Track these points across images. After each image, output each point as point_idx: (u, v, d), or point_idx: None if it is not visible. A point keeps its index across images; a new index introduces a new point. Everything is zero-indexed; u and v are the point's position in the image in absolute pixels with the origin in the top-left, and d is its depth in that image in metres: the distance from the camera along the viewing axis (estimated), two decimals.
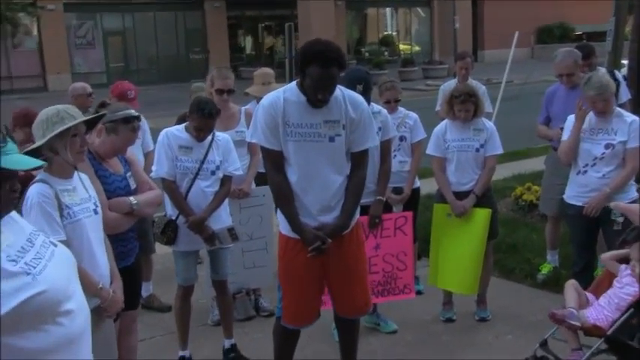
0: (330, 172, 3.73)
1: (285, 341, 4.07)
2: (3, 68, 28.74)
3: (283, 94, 3.69)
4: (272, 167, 3.75)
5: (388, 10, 40.08)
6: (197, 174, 4.52)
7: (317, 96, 3.58)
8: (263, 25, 36.45)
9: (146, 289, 5.83)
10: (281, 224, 3.86)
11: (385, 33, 40.32)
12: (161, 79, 30.97)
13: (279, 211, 3.86)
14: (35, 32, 29.45)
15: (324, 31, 26.45)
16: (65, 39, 29.94)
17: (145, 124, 5.90)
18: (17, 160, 2.26)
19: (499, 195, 8.15)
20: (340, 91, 3.72)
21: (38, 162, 2.34)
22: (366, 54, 37.89)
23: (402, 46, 39.55)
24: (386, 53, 38.25)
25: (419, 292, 5.59)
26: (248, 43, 37.12)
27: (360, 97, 3.85)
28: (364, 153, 3.84)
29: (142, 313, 5.55)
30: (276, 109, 3.64)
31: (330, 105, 3.66)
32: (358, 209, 3.93)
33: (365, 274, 4.06)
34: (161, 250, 5.54)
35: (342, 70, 3.61)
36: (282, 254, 3.87)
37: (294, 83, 3.75)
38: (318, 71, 3.50)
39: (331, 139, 3.68)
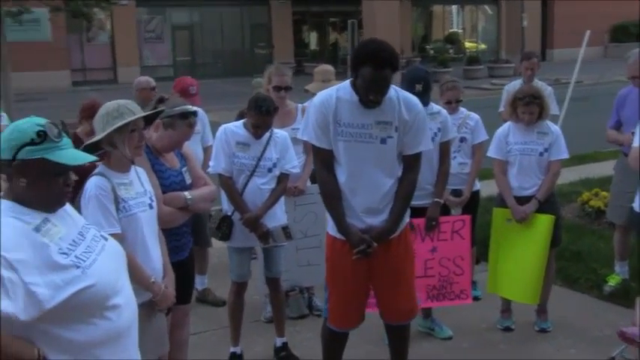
0: (380, 174, 3.66)
1: (333, 343, 4.02)
2: (77, 61, 29.68)
3: (336, 93, 3.63)
4: (321, 166, 3.71)
5: (454, 7, 39.57)
6: (254, 171, 4.52)
7: (369, 97, 3.52)
8: (328, 20, 36.44)
9: (201, 283, 5.89)
10: (328, 224, 3.81)
11: (451, 30, 39.81)
12: (226, 73, 31.33)
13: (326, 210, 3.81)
14: (108, 27, 30.24)
15: (388, 27, 26.32)
16: (135, 33, 30.63)
17: (205, 118, 5.95)
18: (71, 155, 2.29)
19: (564, 200, 7.92)
20: (395, 91, 3.64)
21: (91, 157, 2.37)
22: (431, 51, 37.45)
23: (467, 44, 38.99)
24: (451, 51, 37.71)
25: (476, 298, 5.46)
26: (312, 38, 37.20)
27: (415, 99, 3.75)
28: (417, 156, 3.76)
29: (196, 307, 5.63)
30: (328, 108, 3.59)
31: (384, 106, 3.59)
32: (408, 213, 3.86)
33: (412, 280, 3.98)
34: (218, 243, 5.55)
35: (395, 72, 3.52)
36: (329, 255, 3.83)
37: (347, 82, 3.69)
38: (371, 72, 3.44)
39: (383, 141, 3.61)
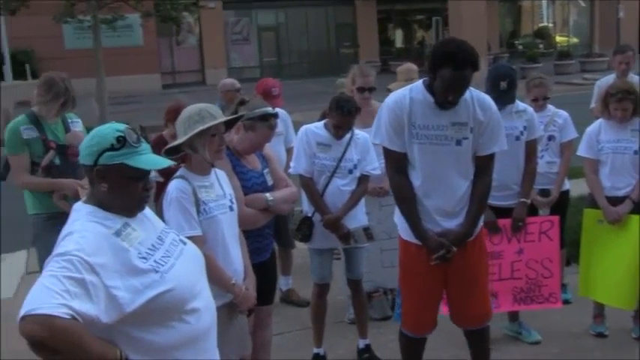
0: (456, 176, 3.57)
1: (410, 348, 3.93)
2: (167, 64, 30.61)
3: (409, 93, 3.55)
4: (394, 169, 3.62)
5: (544, 1, 38.45)
6: (334, 172, 4.50)
7: (447, 97, 3.43)
8: (413, 18, 36.15)
9: (285, 283, 5.93)
10: (401, 229, 3.73)
11: (540, 25, 38.75)
12: (311, 73, 31.56)
13: (397, 214, 3.74)
14: (196, 30, 31.03)
15: (475, 23, 25.83)
16: (222, 35, 31.32)
17: (288, 119, 5.99)
18: (150, 160, 2.32)
19: None
20: (469, 92, 3.53)
21: (168, 162, 2.39)
22: (520, 47, 36.55)
23: (558, 38, 37.81)
24: (541, 46, 36.69)
25: (566, 302, 5.24)
26: (398, 36, 37.01)
27: (489, 99, 3.65)
28: (491, 157, 3.67)
29: (280, 307, 5.68)
30: (402, 109, 3.52)
31: (458, 107, 3.50)
32: (482, 217, 3.75)
33: (486, 284, 3.88)
34: (302, 244, 5.58)
35: (475, 71, 3.41)
36: (403, 260, 3.75)
37: (420, 82, 3.61)
38: (451, 72, 3.34)
39: (458, 143, 3.53)
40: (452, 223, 3.60)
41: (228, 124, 3.48)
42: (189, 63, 31.26)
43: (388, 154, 3.64)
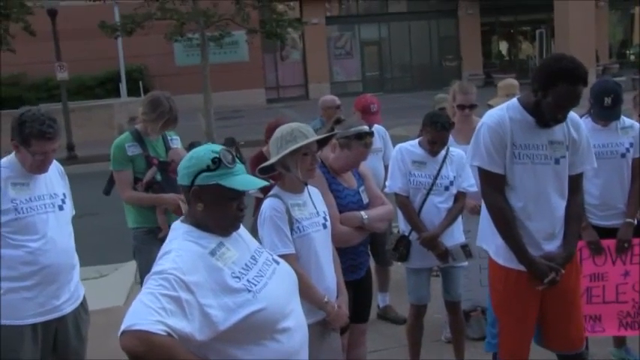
0: (556, 196, 3.50)
1: None
2: (272, 79, 31.30)
3: (507, 113, 3.49)
4: (495, 192, 3.52)
5: None
6: (430, 189, 4.46)
7: (558, 115, 3.36)
8: (518, 30, 35.34)
9: (382, 300, 5.92)
10: (497, 254, 3.61)
11: None
12: (414, 86, 31.45)
13: (489, 239, 3.64)
14: (300, 45, 31.59)
15: (582, 34, 24.96)
16: (326, 50, 31.72)
17: (386, 135, 6.00)
18: (244, 180, 2.38)
19: None
20: None
21: (262, 182, 2.44)
22: (631, 57, 34.98)
23: None
24: None
25: None
26: (502, 48, 36.24)
27: (578, 117, 3.62)
28: (581, 176, 3.63)
29: (377, 323, 5.68)
30: (505, 129, 3.45)
31: (553, 125, 3.45)
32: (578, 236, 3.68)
33: (581, 307, 3.77)
34: None
35: (585, 87, 3.34)
36: (502, 288, 3.62)
37: (515, 101, 3.54)
38: (567, 89, 3.26)
39: (557, 161, 3.47)
40: (552, 246, 3.52)
41: (321, 143, 3.52)
42: (293, 78, 31.85)
43: (488, 176, 3.54)
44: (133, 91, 25.67)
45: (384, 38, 33.02)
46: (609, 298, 4.41)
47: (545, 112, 3.38)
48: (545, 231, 3.50)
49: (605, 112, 4.36)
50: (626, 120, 4.54)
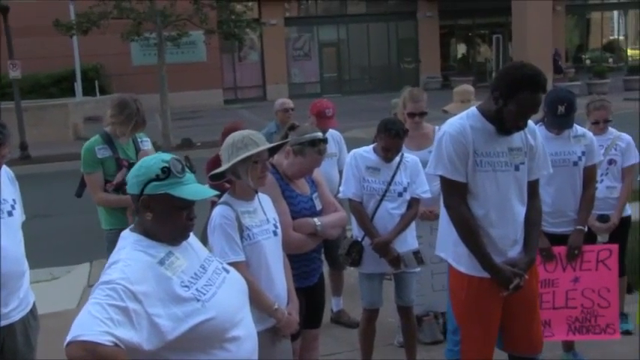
0: (517, 203, 3.53)
1: None
2: (229, 80, 31.17)
3: (467, 121, 3.50)
4: (458, 200, 3.52)
5: (615, 12, 37.49)
6: (384, 195, 4.48)
7: (519, 123, 3.40)
8: (476, 33, 35.82)
9: (336, 304, 5.92)
10: (460, 263, 3.61)
11: (610, 38, 37.77)
12: (373, 88, 31.64)
13: (449, 247, 3.66)
14: (258, 45, 31.51)
15: (540, 37, 25.40)
16: (284, 51, 31.71)
17: (341, 140, 6.01)
18: (193, 190, 2.37)
19: None
20: None
21: (213, 192, 2.45)
22: (587, 61, 35.75)
23: (630, 52, 36.77)
24: (610, 60, 35.79)
25: (627, 332, 5.07)
26: (460, 51, 36.68)
27: (533, 124, 3.67)
28: (538, 182, 3.69)
29: (331, 327, 5.69)
30: (467, 138, 3.46)
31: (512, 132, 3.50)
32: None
33: (539, 311, 3.83)
34: None
35: (544, 95, 3.42)
36: (465, 296, 3.62)
37: (474, 109, 3.57)
38: (529, 97, 3.30)
39: (516, 168, 3.50)
40: (514, 252, 3.56)
41: (273, 150, 3.51)
42: (251, 79, 31.77)
43: (451, 185, 3.53)
44: (88, 91, 25.30)
45: (343, 40, 33.14)
46: (559, 304, 4.49)
47: (507, 120, 3.40)
48: (509, 237, 3.53)
49: (559, 120, 4.43)
50: (578, 128, 4.61)
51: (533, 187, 3.62)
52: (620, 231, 5.09)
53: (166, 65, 18.75)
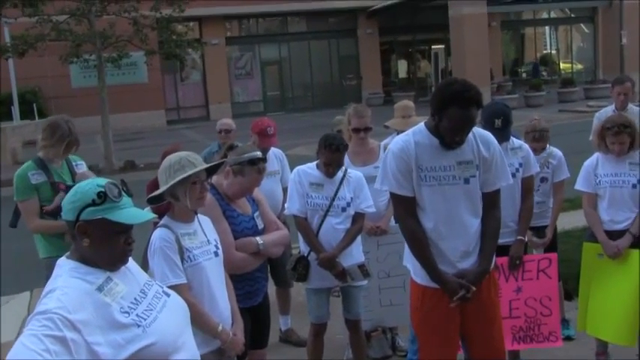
0: (467, 215, 3.56)
1: None
2: (172, 100, 30.90)
3: (413, 137, 3.55)
4: (405, 214, 3.59)
5: (547, 28, 38.67)
6: (328, 211, 4.51)
7: (455, 138, 3.43)
8: (416, 49, 36.41)
9: (284, 323, 5.89)
10: (415, 273, 3.68)
11: (544, 52, 38.90)
12: (315, 105, 31.81)
13: (408, 259, 3.71)
14: (200, 65, 31.35)
15: (477, 52, 26.00)
16: (226, 70, 31.62)
17: (284, 158, 6.00)
18: (131, 214, 2.32)
19: None
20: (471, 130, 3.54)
21: (151, 215, 2.41)
22: (523, 74, 36.71)
23: (562, 65, 37.93)
24: (544, 73, 36.84)
25: (568, 338, 5.19)
26: (401, 67, 37.20)
27: (490, 135, 3.67)
28: (498, 193, 3.66)
29: (279, 347, 5.65)
30: (408, 154, 3.50)
31: (462, 145, 3.51)
32: (495, 253, 3.72)
33: (501, 322, 3.83)
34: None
35: (479, 110, 3.43)
36: (419, 305, 3.68)
37: (422, 125, 3.61)
38: (458, 113, 3.34)
39: (466, 181, 3.52)
40: (467, 263, 3.58)
41: (212, 170, 3.48)
42: (193, 99, 31.56)
43: (398, 199, 3.61)
44: (26, 114, 24.71)
45: (285, 58, 33.23)
46: (503, 314, 4.52)
47: (444, 135, 3.46)
48: (459, 249, 3.56)
49: (496, 133, 4.48)
50: (515, 141, 4.72)
51: (491, 199, 3.63)
52: (551, 241, 5.23)
53: (107, 87, 18.51)
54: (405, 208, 3.58)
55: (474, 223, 3.58)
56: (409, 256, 3.70)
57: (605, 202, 4.76)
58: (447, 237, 3.54)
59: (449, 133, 3.42)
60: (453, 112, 3.35)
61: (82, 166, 4.86)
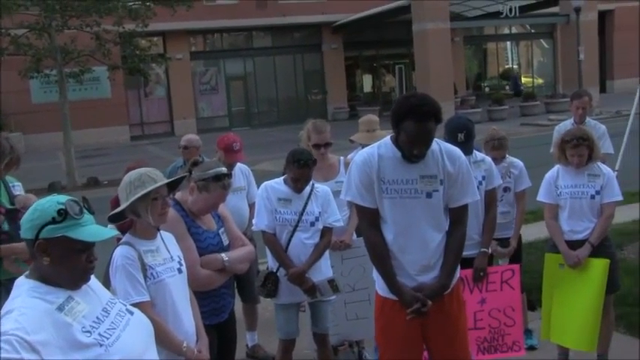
0: (429, 229, 3.55)
1: None
2: (136, 116, 30.61)
3: (377, 150, 3.57)
4: (367, 225, 3.62)
5: (508, 43, 39.34)
6: (296, 226, 4.51)
7: (413, 151, 3.44)
8: (380, 63, 36.69)
9: (251, 339, 5.85)
10: (378, 285, 3.70)
11: (506, 67, 39.55)
12: (281, 120, 31.80)
13: (373, 271, 3.72)
14: (165, 80, 31.15)
15: (441, 67, 26.30)
16: (191, 85, 31.46)
17: (250, 174, 5.98)
18: (93, 231, 2.29)
19: (627, 239, 7.61)
20: (437, 144, 3.56)
21: (113, 232, 2.39)
22: (486, 89, 37.24)
23: (523, 79, 38.60)
24: (507, 87, 37.43)
25: (532, 347, 5.26)
26: (366, 82, 37.43)
27: (458, 151, 3.66)
28: (464, 208, 3.65)
29: None
30: (371, 166, 3.52)
31: (427, 159, 3.51)
32: (458, 268, 3.73)
33: (466, 336, 3.84)
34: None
35: (438, 124, 3.44)
36: (379, 316, 3.71)
37: (388, 138, 3.62)
38: (414, 126, 3.36)
39: (428, 195, 3.52)
40: (428, 277, 3.57)
41: (173, 186, 3.46)
42: (157, 114, 31.31)
43: (360, 210, 3.63)
44: None
45: (250, 73, 33.18)
46: (468, 326, 4.58)
47: (403, 148, 3.48)
48: (419, 263, 3.55)
49: (459, 147, 4.56)
50: (478, 154, 4.78)
51: (457, 214, 3.62)
52: (516, 252, 5.30)
53: (69, 102, 18.28)
54: (367, 219, 3.61)
55: (436, 238, 3.57)
56: (373, 268, 3.72)
57: (566, 213, 4.85)
58: (407, 250, 3.55)
59: (407, 147, 3.44)
60: (409, 126, 3.37)
61: (18, 188, 4.66)
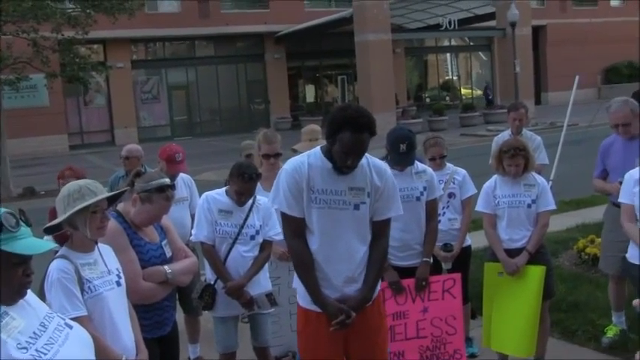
0: (355, 241, 3.57)
1: None
2: (75, 124, 29.97)
3: (307, 159, 3.57)
4: (292, 234, 3.59)
5: (448, 55, 40.10)
6: (236, 239, 4.48)
7: (346, 162, 3.45)
8: (323, 74, 36.88)
9: (193, 352, 5.78)
10: (300, 296, 3.69)
11: (446, 78, 40.28)
12: (224, 130, 31.63)
13: (296, 281, 3.70)
14: (105, 89, 30.62)
15: (383, 78, 26.64)
16: (132, 94, 31.02)
17: (193, 184, 5.93)
18: (30, 244, 2.24)
19: (561, 247, 7.82)
20: (365, 158, 3.59)
21: (50, 245, 2.34)
22: (427, 99, 37.83)
23: (463, 91, 39.37)
24: (447, 98, 38.11)
25: (473, 355, 5.35)
26: (308, 92, 37.55)
27: (384, 165, 3.73)
28: (387, 222, 3.70)
29: None
30: (301, 175, 3.52)
31: (355, 172, 3.54)
32: (380, 280, 3.77)
33: (385, 349, 3.87)
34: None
35: (372, 136, 3.47)
36: (302, 328, 3.69)
37: (318, 149, 3.64)
38: (351, 137, 3.38)
39: (356, 207, 3.54)
40: (351, 289, 3.58)
41: (113, 199, 3.40)
42: (98, 123, 30.75)
43: (286, 218, 3.61)
44: None
45: (192, 82, 32.91)
46: (411, 335, 4.64)
47: (336, 159, 3.48)
48: (344, 274, 3.56)
49: (401, 157, 4.63)
50: (419, 165, 4.84)
51: (379, 227, 3.64)
52: (463, 260, 5.38)
53: (5, 110, 17.78)
54: (292, 229, 3.58)
55: (361, 250, 3.59)
56: (296, 278, 3.69)
57: (504, 222, 4.96)
58: (332, 261, 3.54)
59: (341, 157, 3.44)
60: (345, 137, 3.38)
61: None
